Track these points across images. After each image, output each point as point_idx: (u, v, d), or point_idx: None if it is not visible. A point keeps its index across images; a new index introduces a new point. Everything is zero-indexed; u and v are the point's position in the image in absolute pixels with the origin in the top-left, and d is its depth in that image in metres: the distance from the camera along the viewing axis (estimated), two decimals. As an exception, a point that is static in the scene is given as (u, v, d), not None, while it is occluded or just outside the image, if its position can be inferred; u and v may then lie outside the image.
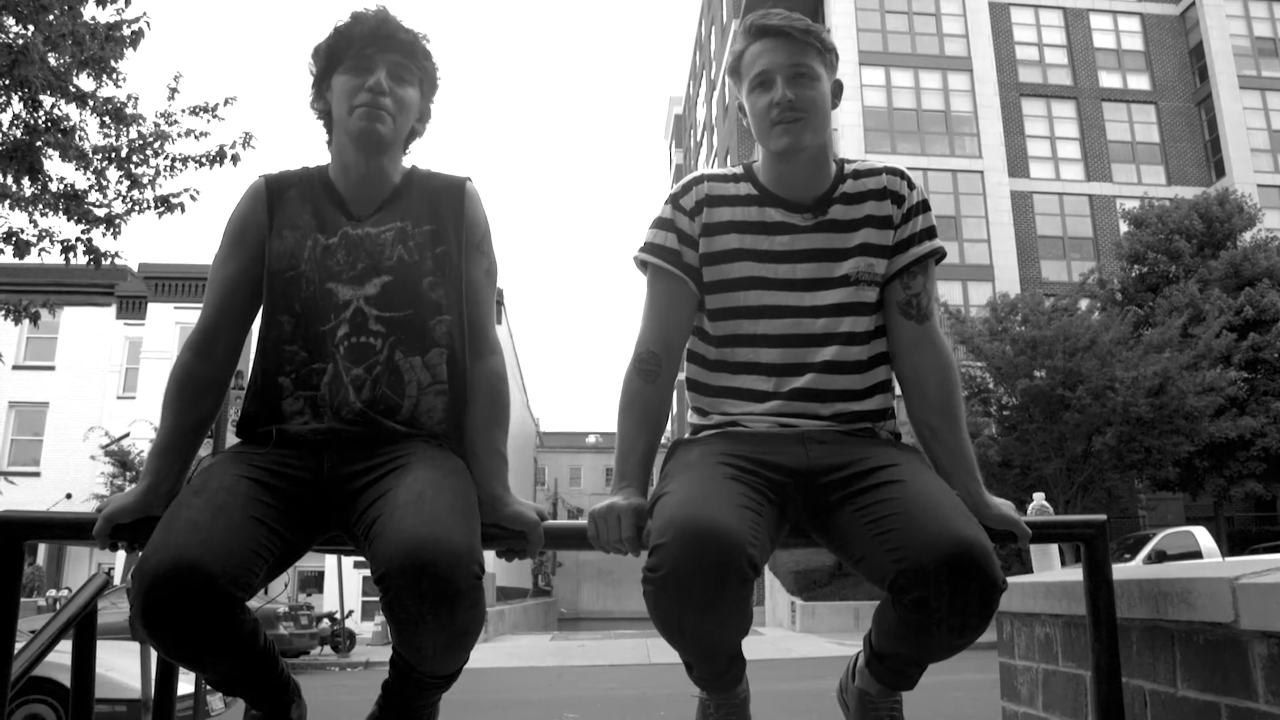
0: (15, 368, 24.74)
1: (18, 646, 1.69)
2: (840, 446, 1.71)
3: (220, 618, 1.42)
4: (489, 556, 1.61)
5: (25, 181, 7.46)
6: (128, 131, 7.86)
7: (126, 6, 7.54)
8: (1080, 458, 18.08)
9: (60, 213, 7.71)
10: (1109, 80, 27.86)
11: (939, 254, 1.85)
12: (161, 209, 8.01)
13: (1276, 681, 1.39)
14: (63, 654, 2.08)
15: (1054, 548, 10.60)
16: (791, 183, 1.83)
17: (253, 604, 1.54)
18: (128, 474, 22.19)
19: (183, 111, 8.11)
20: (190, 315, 25.00)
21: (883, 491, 1.59)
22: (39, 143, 7.36)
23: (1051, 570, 8.99)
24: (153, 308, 26.55)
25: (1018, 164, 26.47)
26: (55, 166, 7.73)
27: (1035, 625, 2.22)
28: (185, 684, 4.56)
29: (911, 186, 1.86)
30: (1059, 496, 17.79)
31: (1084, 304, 19.97)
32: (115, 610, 7.71)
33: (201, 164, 8.08)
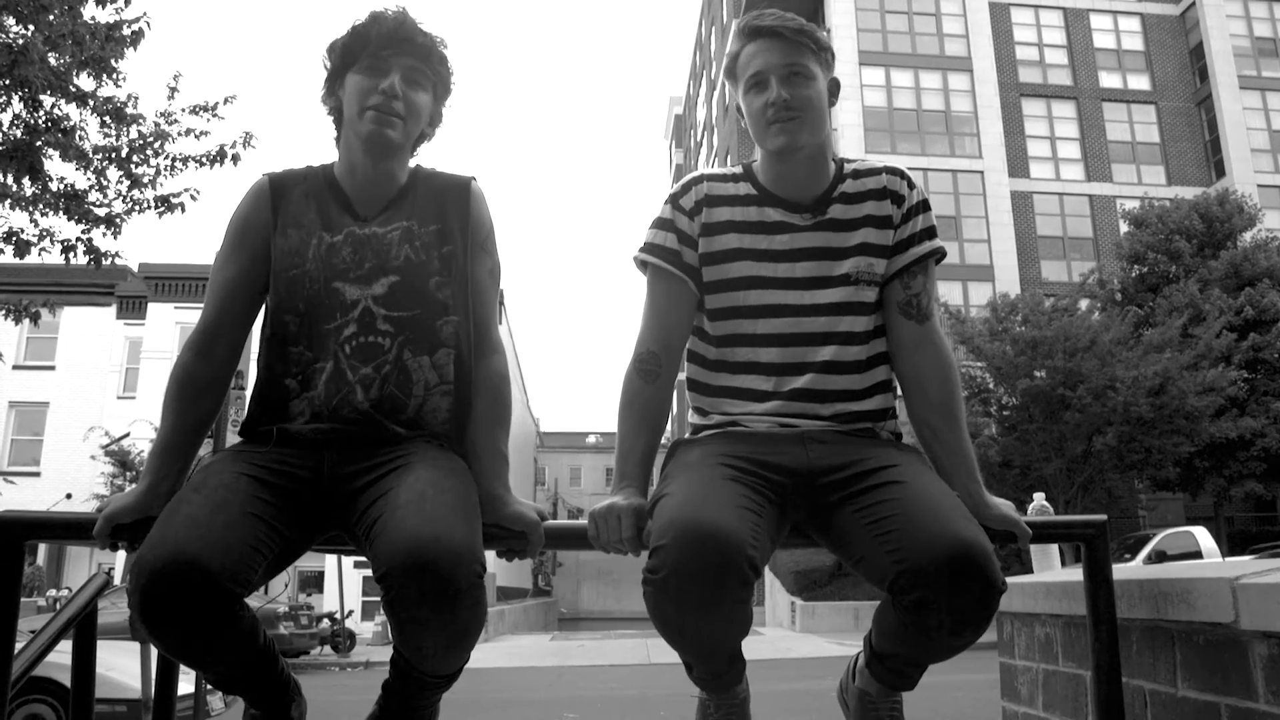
0: (15, 367, 24.74)
1: (18, 646, 1.69)
2: (840, 447, 1.71)
3: (218, 613, 1.42)
4: (489, 556, 1.61)
5: (25, 181, 7.46)
6: (128, 131, 7.86)
7: (126, 6, 7.54)
8: (1080, 458, 18.08)
9: (60, 212, 7.71)
10: (1109, 80, 27.85)
11: (939, 254, 1.85)
12: (162, 209, 8.01)
13: (1277, 682, 1.39)
14: (63, 654, 2.08)
15: (1054, 548, 10.61)
16: (790, 182, 1.83)
17: (253, 603, 1.54)
18: (128, 474, 22.20)
19: (183, 111, 8.13)
20: (190, 315, 25.02)
21: (883, 492, 1.59)
22: (39, 142, 7.36)
23: (1052, 570, 8.99)
24: (153, 308, 26.55)
25: (1018, 164, 26.47)
26: (55, 166, 7.76)
27: (1035, 625, 2.22)
28: (185, 684, 4.57)
29: (911, 186, 1.86)
30: (1059, 497, 17.80)
31: (1084, 304, 19.98)
32: (115, 610, 7.73)
33: (202, 163, 8.08)
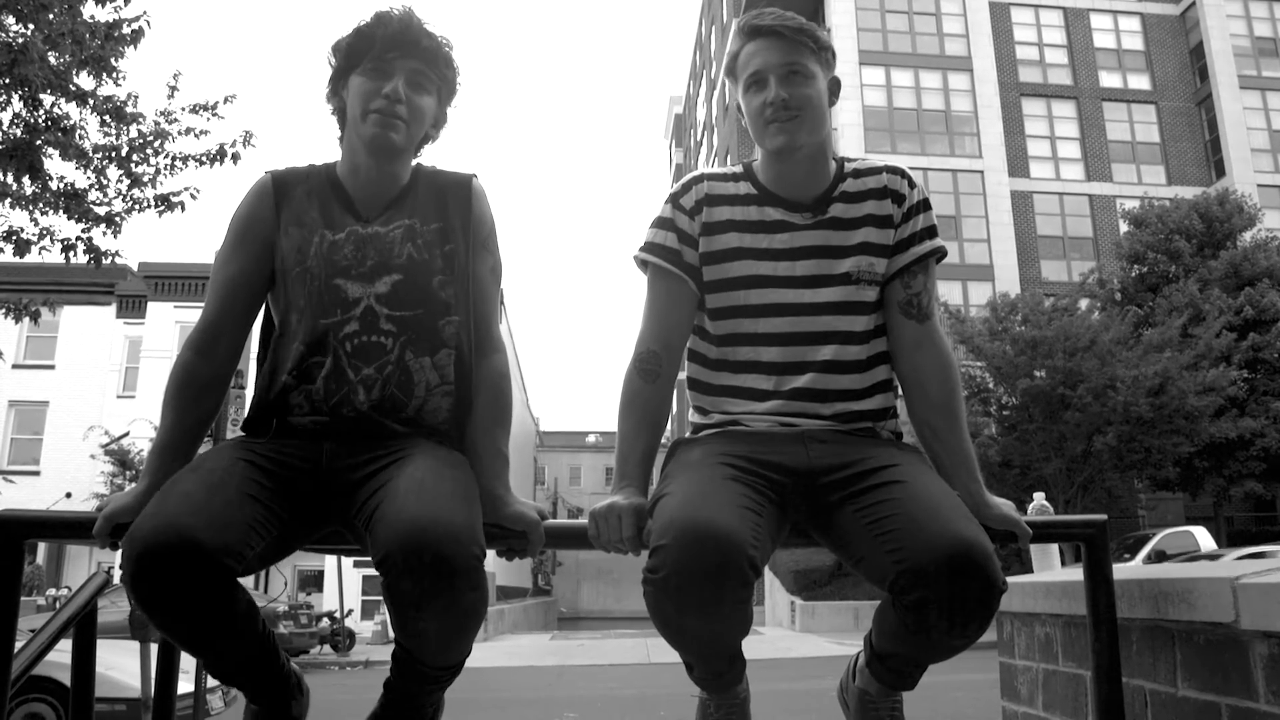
0: (15, 366, 24.73)
1: (18, 645, 1.69)
2: (841, 446, 1.71)
3: (212, 587, 1.41)
4: (489, 556, 1.60)
5: (25, 180, 7.46)
6: (128, 130, 7.86)
7: (126, 5, 7.55)
8: (1080, 457, 18.09)
9: (60, 211, 7.72)
10: (1109, 80, 27.85)
11: (940, 253, 1.85)
12: (161, 208, 8.01)
13: (1277, 682, 1.39)
14: (62, 653, 2.08)
15: (1054, 548, 10.61)
16: (790, 181, 1.82)
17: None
18: (127, 473, 22.20)
19: (183, 110, 8.13)
20: (190, 314, 25.02)
21: (883, 492, 1.58)
22: (39, 141, 7.37)
23: (1052, 570, 8.99)
24: (152, 307, 26.55)
25: (1018, 164, 26.47)
26: (55, 165, 7.74)
27: (1035, 625, 2.22)
28: (185, 683, 4.57)
29: (912, 185, 1.85)
30: (1059, 496, 17.80)
31: (1084, 304, 19.98)
32: (115, 609, 7.72)
33: (202, 162, 8.08)
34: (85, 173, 7.78)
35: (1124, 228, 23.05)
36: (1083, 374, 17.24)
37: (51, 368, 26.43)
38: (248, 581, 2.11)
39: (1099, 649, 1.66)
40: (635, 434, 1.78)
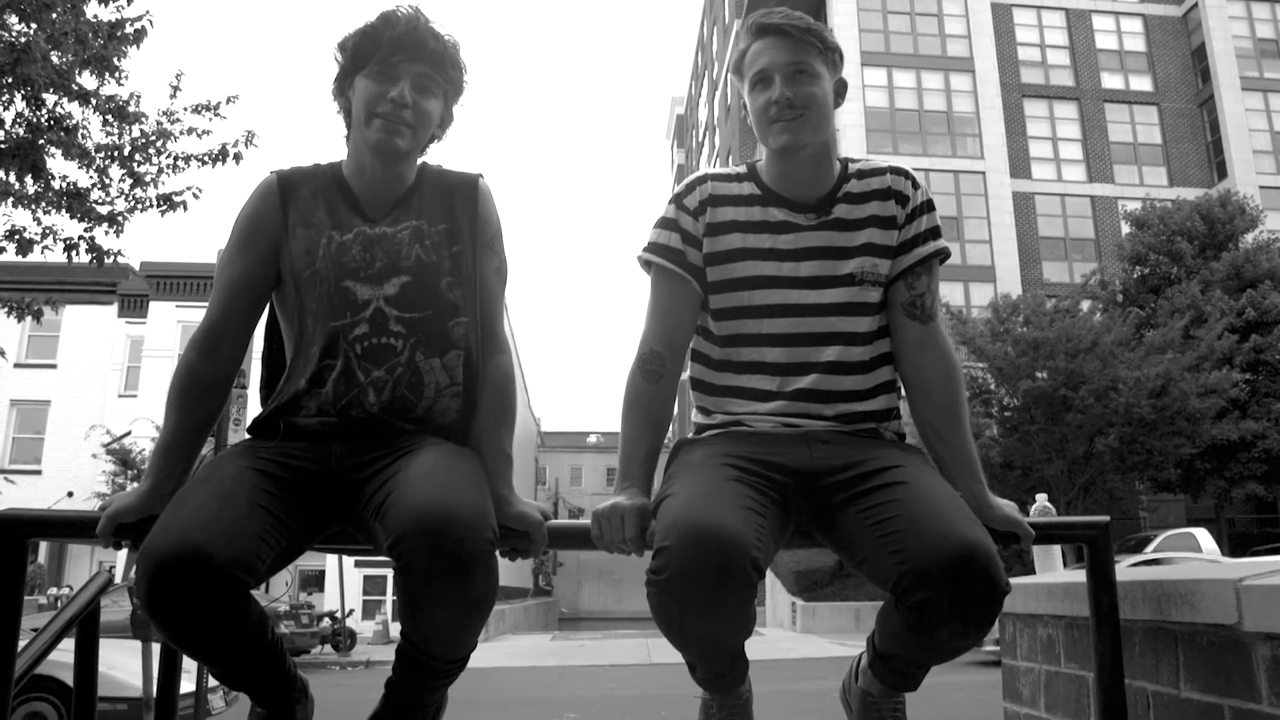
0: (17, 365, 24.74)
1: (20, 645, 1.69)
2: (844, 447, 1.71)
3: (225, 602, 1.41)
4: (492, 555, 1.60)
5: (28, 179, 7.47)
6: (130, 130, 7.87)
7: (129, 5, 7.56)
8: (1082, 459, 18.08)
9: (63, 211, 7.73)
10: (1111, 81, 27.84)
11: (943, 254, 1.84)
12: (164, 207, 8.02)
13: (1280, 684, 1.38)
14: (65, 652, 2.08)
15: (1056, 549, 10.59)
16: (794, 181, 1.82)
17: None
18: (129, 472, 22.21)
19: (185, 109, 8.14)
20: (192, 314, 25.04)
21: (886, 493, 1.58)
22: (42, 141, 7.38)
23: (1054, 571, 8.98)
24: (154, 306, 26.55)
25: (1020, 165, 26.46)
26: (58, 165, 7.73)
27: (1038, 626, 2.22)
28: (187, 683, 4.57)
29: (916, 186, 1.85)
30: (1060, 498, 17.80)
31: (1086, 305, 19.98)
32: (117, 609, 7.72)
33: (204, 162, 8.09)
34: (88, 172, 7.80)
35: (1126, 229, 23.04)
36: (1084, 375, 17.24)
37: (53, 367, 26.44)
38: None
39: (1101, 650, 1.66)
40: (638, 434, 1.78)
